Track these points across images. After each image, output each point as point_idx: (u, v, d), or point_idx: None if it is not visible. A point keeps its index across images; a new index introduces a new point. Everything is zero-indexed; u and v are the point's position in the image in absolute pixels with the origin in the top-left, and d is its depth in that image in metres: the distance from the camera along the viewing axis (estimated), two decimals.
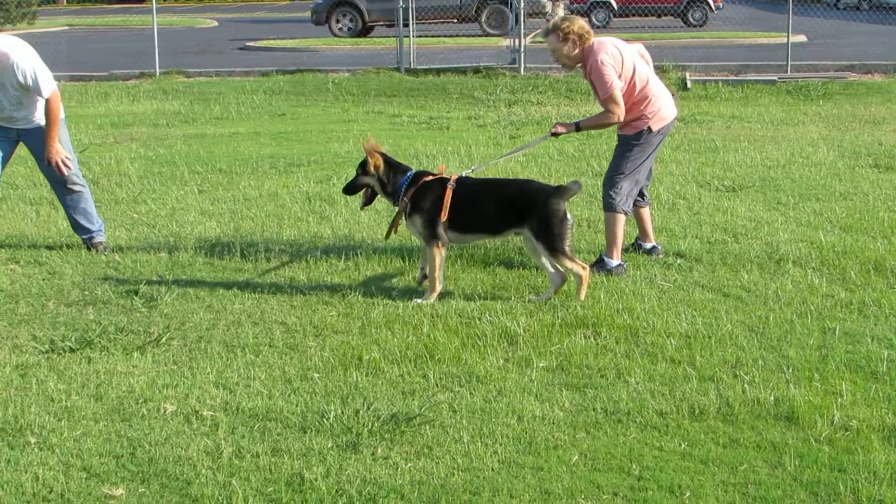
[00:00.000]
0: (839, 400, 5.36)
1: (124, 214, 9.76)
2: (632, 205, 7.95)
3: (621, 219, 7.82)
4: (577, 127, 7.97)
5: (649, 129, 7.76)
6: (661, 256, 8.15)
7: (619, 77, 7.65)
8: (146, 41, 25.87)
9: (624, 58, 7.71)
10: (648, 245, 8.31)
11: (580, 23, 7.81)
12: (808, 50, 26.66)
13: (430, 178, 7.39)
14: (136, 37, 37.00)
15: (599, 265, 7.77)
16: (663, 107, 7.85)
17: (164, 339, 6.40)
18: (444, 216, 7.16)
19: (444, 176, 7.44)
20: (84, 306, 7.11)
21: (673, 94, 8.35)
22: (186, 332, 6.57)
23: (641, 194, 8.15)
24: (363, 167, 7.53)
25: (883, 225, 8.99)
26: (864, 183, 10.83)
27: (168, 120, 16.61)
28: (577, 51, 7.77)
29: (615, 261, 7.79)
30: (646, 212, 8.29)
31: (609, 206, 7.84)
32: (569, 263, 7.10)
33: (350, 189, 7.72)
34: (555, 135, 7.98)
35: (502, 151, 12.43)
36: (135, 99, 19.64)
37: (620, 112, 7.66)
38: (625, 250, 8.14)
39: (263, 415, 5.30)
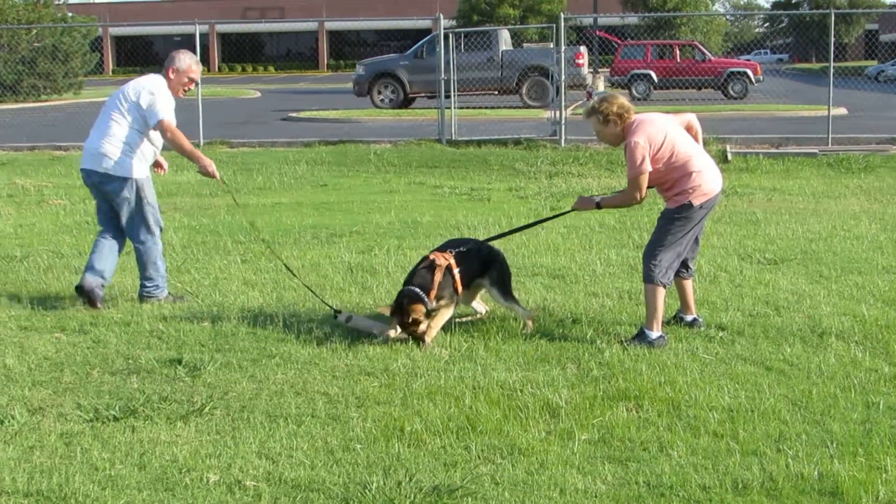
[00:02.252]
0: (884, 475, 5.32)
1: (168, 284, 9.82)
2: (672, 277, 7.92)
3: (661, 291, 7.81)
4: (598, 205, 8.07)
5: (690, 203, 7.74)
6: (702, 329, 8.12)
7: (656, 157, 7.65)
8: (191, 111, 26.11)
9: (666, 136, 7.71)
10: (689, 317, 8.28)
11: (620, 101, 7.87)
12: (849, 122, 26.70)
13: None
14: (181, 107, 37.19)
15: (640, 338, 7.76)
16: (706, 181, 7.79)
17: (207, 409, 6.43)
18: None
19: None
20: (128, 375, 7.16)
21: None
22: (229, 402, 6.59)
23: (686, 266, 8.13)
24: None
25: None
26: None
27: (211, 190, 16.76)
28: (619, 129, 7.82)
29: (655, 333, 7.77)
30: (688, 284, 8.27)
31: (648, 279, 7.84)
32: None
33: None
34: (576, 210, 8.06)
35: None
36: (178, 169, 19.75)
37: (640, 196, 7.76)
38: (666, 322, 8.13)
39: (306, 485, 5.31)
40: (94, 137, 9.22)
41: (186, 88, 9.46)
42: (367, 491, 5.21)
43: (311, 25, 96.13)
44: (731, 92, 40.98)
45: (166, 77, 9.27)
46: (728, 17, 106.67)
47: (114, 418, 6.27)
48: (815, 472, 5.37)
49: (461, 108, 25.28)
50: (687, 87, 40.04)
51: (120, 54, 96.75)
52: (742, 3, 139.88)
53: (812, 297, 9.12)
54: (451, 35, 24.83)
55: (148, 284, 9.25)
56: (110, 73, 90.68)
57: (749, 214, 13.66)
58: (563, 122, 22.73)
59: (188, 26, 28.52)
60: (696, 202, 7.76)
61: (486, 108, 31.22)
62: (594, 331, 8.08)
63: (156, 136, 9.31)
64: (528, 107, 34.21)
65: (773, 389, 6.72)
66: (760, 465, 5.49)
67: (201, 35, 24.22)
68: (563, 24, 22.79)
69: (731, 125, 24.09)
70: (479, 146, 21.92)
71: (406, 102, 36.40)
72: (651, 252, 7.88)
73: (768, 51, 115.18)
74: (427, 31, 52.57)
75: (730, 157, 19.87)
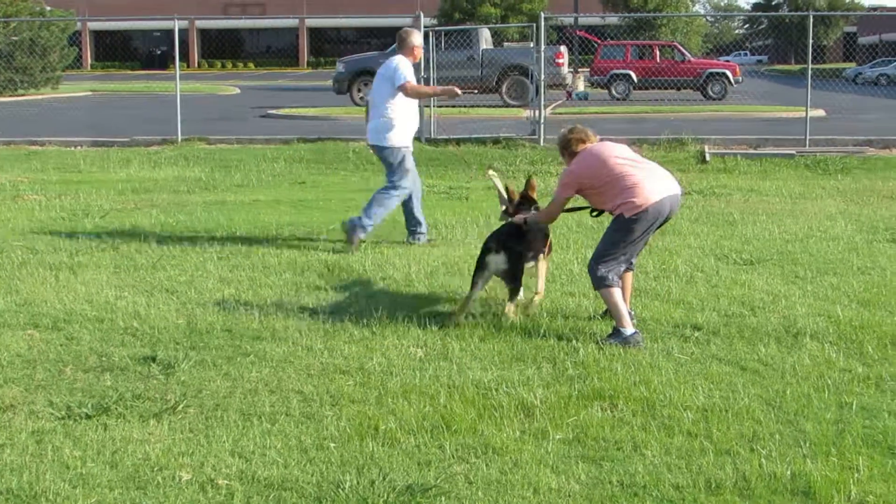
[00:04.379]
0: (856, 475, 5.34)
1: (143, 281, 9.80)
2: (620, 272, 8.11)
3: (614, 291, 7.93)
4: (525, 221, 8.76)
5: (622, 215, 7.93)
6: (634, 322, 8.11)
7: (586, 185, 8.20)
8: (169, 108, 26.10)
9: (604, 166, 8.13)
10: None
11: (576, 137, 8.50)
12: (827, 124, 26.80)
13: None
14: (159, 103, 37.30)
15: (615, 336, 7.79)
16: (639, 195, 7.92)
17: (180, 407, 6.40)
18: None
19: None
20: (101, 373, 7.12)
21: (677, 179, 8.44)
22: (203, 400, 6.57)
23: (628, 259, 8.25)
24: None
25: None
26: (881, 257, 10.83)
27: (189, 186, 16.72)
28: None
29: (628, 329, 7.82)
30: (627, 276, 8.40)
31: (596, 286, 8.02)
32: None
33: None
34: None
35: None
36: (156, 165, 19.78)
37: (549, 219, 8.74)
38: (601, 316, 8.48)
39: (279, 484, 5.29)
40: None
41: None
42: (340, 490, 5.19)
43: (291, 22, 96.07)
44: (711, 93, 41.14)
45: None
46: (708, 18, 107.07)
47: (86, 416, 6.24)
48: (788, 472, 5.38)
49: (440, 106, 25.26)
50: (666, 88, 40.17)
51: (99, 49, 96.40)
52: (722, 4, 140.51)
53: (787, 297, 9.14)
54: (431, 33, 24.85)
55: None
56: (89, 67, 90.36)
57: (726, 215, 13.69)
58: (542, 121, 22.73)
59: (168, 21, 28.49)
60: (627, 214, 7.89)
61: (466, 106, 31.20)
62: (570, 330, 8.08)
63: None
64: (508, 106, 34.25)
65: (748, 389, 6.73)
66: (734, 465, 5.50)
67: (181, 31, 24.20)
68: (543, 23, 22.78)
69: (709, 126, 24.16)
70: (459, 145, 21.91)
71: None
72: (593, 261, 8.07)
73: (747, 52, 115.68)
74: None
75: (708, 157, 19.91)
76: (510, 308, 8.45)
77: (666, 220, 8.17)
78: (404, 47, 11.82)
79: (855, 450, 5.70)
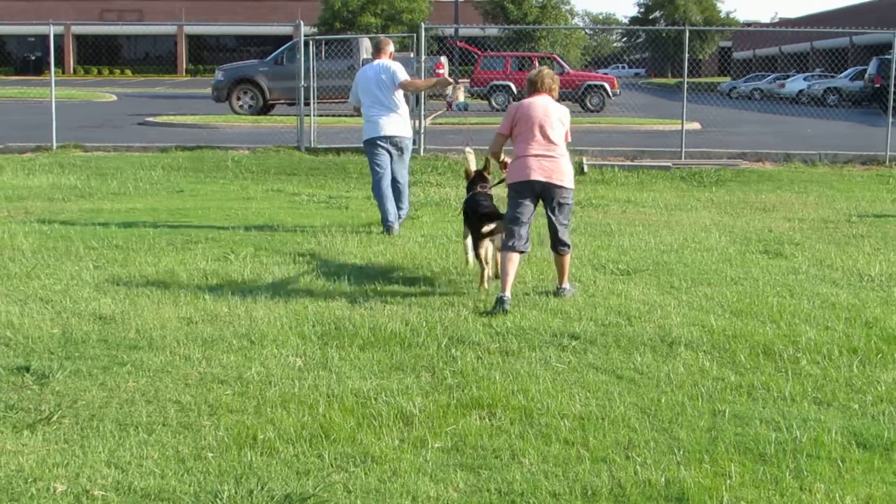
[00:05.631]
0: (728, 482, 5.45)
1: (17, 289, 9.63)
2: (515, 244, 9.40)
3: (506, 255, 9.39)
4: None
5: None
6: (566, 297, 9.54)
7: (508, 127, 9.67)
8: (44, 114, 25.69)
9: (522, 117, 9.58)
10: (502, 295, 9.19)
11: (539, 77, 9.79)
12: (702, 137, 27.30)
13: None
14: (34, 110, 36.70)
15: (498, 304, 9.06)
16: (513, 169, 9.64)
17: (55, 417, 6.31)
18: None
19: None
20: None
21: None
22: (78, 410, 6.48)
23: (555, 245, 9.70)
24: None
25: (772, 310, 9.18)
26: (754, 268, 11.06)
27: (64, 194, 16.47)
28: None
29: (504, 292, 9.11)
30: (557, 259, 9.76)
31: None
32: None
33: None
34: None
35: (402, 231, 12.63)
36: (30, 172, 19.45)
37: (491, 147, 10.16)
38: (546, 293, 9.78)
39: (156, 495, 5.24)
40: None
41: None
42: (218, 499, 5.17)
43: (169, 29, 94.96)
44: (589, 105, 41.57)
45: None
46: (587, 31, 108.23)
47: None
48: (663, 479, 5.47)
49: (321, 115, 25.22)
50: None
51: None
52: (600, 17, 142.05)
53: (663, 307, 9.29)
54: (311, 42, 24.78)
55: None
56: None
57: (604, 225, 13.86)
58: (422, 131, 22.79)
59: (43, 27, 28.01)
60: (508, 181, 9.77)
61: (346, 115, 31.14)
62: (449, 339, 8.12)
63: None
64: None
65: (624, 398, 6.82)
66: (609, 472, 5.57)
67: (56, 36, 23.83)
68: (424, 33, 22.85)
69: (587, 138, 24.38)
70: (338, 154, 21.88)
71: (265, 109, 36.19)
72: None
73: (626, 65, 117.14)
74: (288, 38, 52.37)
75: (586, 168, 20.13)
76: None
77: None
78: (384, 52, 13.35)
79: (727, 457, 5.81)
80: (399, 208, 13.38)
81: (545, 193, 9.51)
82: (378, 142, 13.19)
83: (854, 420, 6.49)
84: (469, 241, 10.28)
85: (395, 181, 13.38)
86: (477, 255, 9.84)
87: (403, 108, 13.40)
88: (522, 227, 9.49)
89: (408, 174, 13.77)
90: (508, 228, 9.44)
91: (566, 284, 9.73)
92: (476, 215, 10.00)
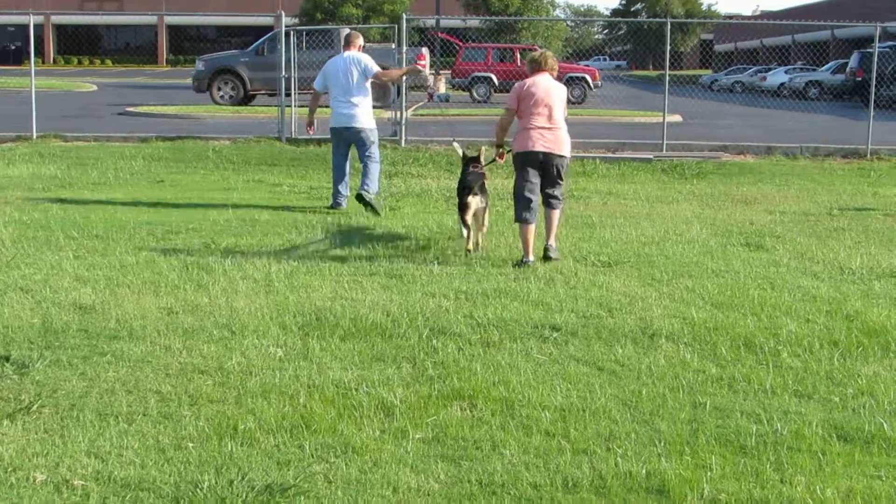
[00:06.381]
0: (709, 474, 5.45)
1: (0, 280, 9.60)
2: (522, 215, 10.73)
3: (521, 227, 10.79)
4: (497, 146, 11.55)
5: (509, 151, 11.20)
6: (552, 256, 10.76)
7: (516, 102, 10.89)
8: (23, 104, 25.58)
9: (527, 94, 10.84)
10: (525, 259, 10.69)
11: (542, 58, 11.21)
12: (684, 130, 27.35)
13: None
14: (13, 99, 36.54)
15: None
16: (518, 140, 10.91)
17: (35, 407, 6.28)
18: None
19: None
20: None
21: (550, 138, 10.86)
22: (58, 400, 6.45)
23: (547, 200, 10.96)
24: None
25: (753, 302, 9.19)
26: (735, 261, 11.08)
27: (44, 184, 16.39)
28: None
29: (528, 257, 10.58)
30: (547, 214, 10.93)
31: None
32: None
33: None
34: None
35: (383, 222, 12.62)
36: (10, 162, 19.35)
37: (500, 122, 11.27)
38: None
39: (136, 484, 5.22)
40: None
41: None
42: (198, 490, 5.15)
43: (150, 19, 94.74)
44: (570, 96, 41.37)
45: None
46: (568, 22, 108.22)
47: None
48: (643, 471, 5.47)
49: (302, 106, 25.13)
50: None
51: None
52: (582, 9, 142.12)
53: (644, 299, 9.30)
54: (292, 33, 24.72)
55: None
56: None
57: (585, 217, 13.86)
58: (403, 122, 22.79)
59: (22, 16, 27.88)
60: (514, 150, 10.97)
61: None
62: (430, 330, 8.11)
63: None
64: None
65: (605, 389, 6.82)
66: (590, 464, 5.58)
67: (36, 26, 23.70)
68: (405, 24, 22.83)
69: (569, 129, 24.37)
70: (319, 145, 21.83)
71: (246, 99, 36.13)
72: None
73: (607, 57, 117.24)
74: (269, 28, 52.19)
75: None
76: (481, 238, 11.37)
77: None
78: (354, 45, 14.23)
79: (708, 449, 5.82)
80: (364, 185, 14.08)
81: (546, 161, 10.82)
82: (341, 131, 14.37)
83: (835, 413, 6.51)
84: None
85: (362, 159, 14.41)
86: (463, 221, 11.07)
87: (368, 100, 14.32)
88: (532, 200, 10.78)
89: (377, 155, 14.51)
90: (521, 203, 10.77)
91: (553, 241, 10.88)
92: (460, 187, 11.23)
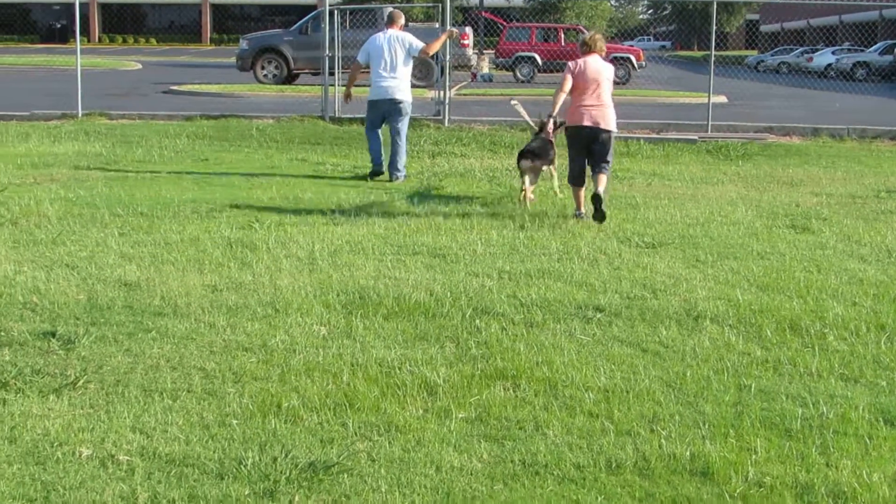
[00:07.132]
0: (753, 456, 5.43)
1: (43, 256, 9.65)
2: (573, 180, 12.26)
3: (572, 190, 12.37)
4: (551, 118, 12.91)
5: (564, 124, 12.54)
6: (581, 219, 11.97)
7: (570, 80, 12.17)
8: (69, 82, 25.73)
9: (580, 74, 12.22)
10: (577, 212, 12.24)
11: (592, 40, 12.83)
12: (729, 111, 27.18)
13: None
14: (59, 77, 36.77)
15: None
16: (570, 115, 12.23)
17: (80, 383, 6.32)
18: None
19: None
20: (0, 348, 7.01)
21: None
22: (104, 376, 6.49)
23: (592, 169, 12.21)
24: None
25: (799, 284, 9.13)
26: (780, 243, 11.00)
27: (90, 161, 16.48)
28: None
29: (579, 210, 12.22)
30: (595, 179, 12.04)
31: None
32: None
33: None
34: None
35: (425, 201, 12.61)
36: (56, 139, 19.47)
37: (555, 96, 12.35)
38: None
39: (180, 460, 5.25)
40: None
41: None
42: (242, 466, 5.17)
43: None
44: (615, 77, 41.39)
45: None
46: (613, 2, 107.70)
47: None
48: (687, 453, 5.45)
49: (345, 85, 25.16)
50: None
51: None
52: None
53: (688, 280, 9.25)
54: (336, 12, 24.69)
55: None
56: None
57: (629, 198, 13.81)
58: (447, 102, 22.76)
59: None
60: (567, 123, 12.32)
61: (363, 84, 31.10)
62: (473, 310, 8.11)
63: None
64: (413, 86, 34.12)
65: (648, 371, 6.80)
66: (634, 445, 5.56)
67: (81, 4, 23.81)
68: (448, 4, 22.77)
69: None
70: (363, 124, 21.75)
71: (290, 78, 36.18)
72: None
73: (651, 37, 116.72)
74: (312, 7, 52.30)
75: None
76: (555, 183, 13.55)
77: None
78: (397, 23, 15.15)
79: (753, 431, 5.79)
80: (394, 165, 15.20)
81: (592, 135, 12.07)
82: (380, 104, 15.42)
83: (881, 397, 6.45)
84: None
85: (392, 132, 15.35)
86: (523, 180, 12.80)
87: (409, 77, 15.47)
88: (582, 167, 12.24)
89: (405, 131, 15.48)
90: (573, 170, 12.29)
91: (601, 190, 11.85)
92: (520, 151, 12.96)
